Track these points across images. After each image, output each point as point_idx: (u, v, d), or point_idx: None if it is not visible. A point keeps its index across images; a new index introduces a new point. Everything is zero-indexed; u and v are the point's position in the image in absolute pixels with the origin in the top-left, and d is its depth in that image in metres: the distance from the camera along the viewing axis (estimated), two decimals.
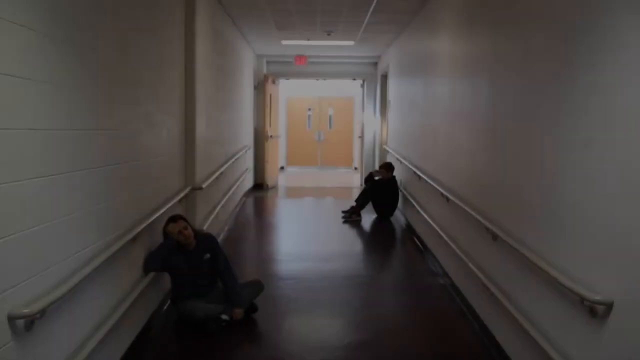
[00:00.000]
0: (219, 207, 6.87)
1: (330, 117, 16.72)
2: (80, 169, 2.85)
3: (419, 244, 6.91)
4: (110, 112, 3.28)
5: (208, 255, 4.36)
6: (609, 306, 2.32)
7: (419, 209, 6.78)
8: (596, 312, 2.41)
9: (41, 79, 2.43)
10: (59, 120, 2.60)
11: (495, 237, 3.76)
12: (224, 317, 4.15)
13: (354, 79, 13.22)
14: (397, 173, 8.62)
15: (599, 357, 2.42)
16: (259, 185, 11.89)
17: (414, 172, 7.09)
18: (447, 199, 5.17)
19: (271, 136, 12.01)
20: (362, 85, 13.05)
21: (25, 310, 2.22)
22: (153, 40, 4.20)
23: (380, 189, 8.57)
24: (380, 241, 7.64)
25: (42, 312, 2.31)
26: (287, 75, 13.01)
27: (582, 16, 2.68)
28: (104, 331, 3.05)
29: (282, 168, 15.83)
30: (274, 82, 12.23)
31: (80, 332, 2.87)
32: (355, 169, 15.81)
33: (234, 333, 4.12)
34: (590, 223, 2.53)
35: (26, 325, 2.27)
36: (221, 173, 6.91)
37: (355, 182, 13.62)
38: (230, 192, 8.03)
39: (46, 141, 2.48)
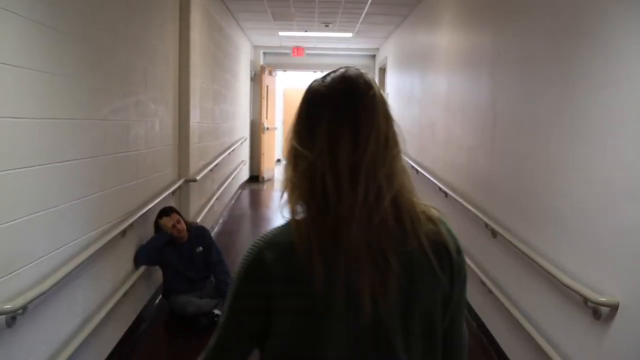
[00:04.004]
0: (214, 199, 6.78)
1: None
2: (68, 159, 2.75)
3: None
4: (99, 101, 3.17)
5: (201, 249, 4.28)
6: (614, 308, 2.24)
7: None
8: (600, 313, 2.33)
9: (27, 66, 2.33)
10: (44, 109, 2.50)
11: (495, 234, 3.68)
12: (217, 312, 4.07)
13: None
14: None
15: None
16: (255, 178, 11.80)
17: (412, 166, 7.00)
18: (446, 194, 5.09)
19: (267, 128, 11.91)
20: None
21: (7, 306, 2.14)
22: (146, 29, 4.09)
23: None
24: None
25: (24, 308, 2.22)
26: (284, 67, 12.89)
27: (586, 7, 2.59)
28: (92, 326, 2.97)
29: (278, 161, 15.73)
30: (270, 73, 12.11)
31: (66, 328, 2.79)
32: None
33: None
34: (595, 221, 2.44)
35: (7, 321, 2.18)
36: (216, 165, 6.81)
37: None
38: (226, 184, 7.94)
39: (31, 131, 2.38)
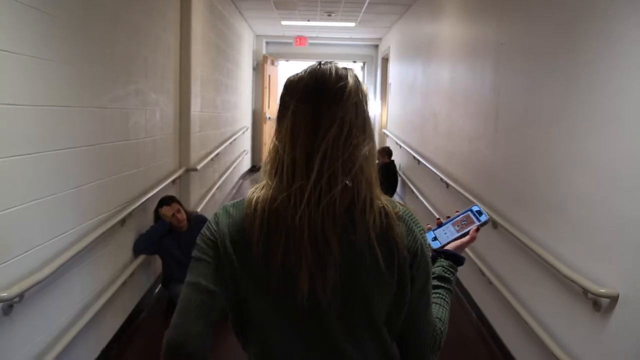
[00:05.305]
0: (215, 189, 6.76)
1: None
2: (65, 147, 2.72)
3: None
4: (98, 89, 3.15)
5: None
6: (614, 299, 2.22)
7: (417, 194, 6.68)
8: (600, 305, 2.32)
9: (21, 52, 2.30)
10: (39, 96, 2.47)
11: (495, 225, 3.66)
12: None
13: (355, 62, 13.03)
14: (396, 157, 8.51)
15: (602, 352, 2.33)
16: (257, 168, 11.78)
17: (413, 157, 6.98)
18: (447, 185, 5.07)
19: (269, 118, 11.87)
20: (363, 68, 12.87)
21: (3, 294, 2.13)
22: (147, 17, 4.05)
23: (379, 173, 8.43)
24: None
25: (21, 296, 2.22)
26: (287, 57, 12.81)
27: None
28: (90, 315, 2.97)
29: None
30: (273, 63, 12.06)
31: (64, 316, 2.78)
32: None
33: (226, 317, 4.02)
34: (596, 213, 2.42)
35: (4, 309, 2.18)
36: (217, 154, 6.79)
37: None
38: (227, 173, 7.92)
39: (27, 118, 2.36)
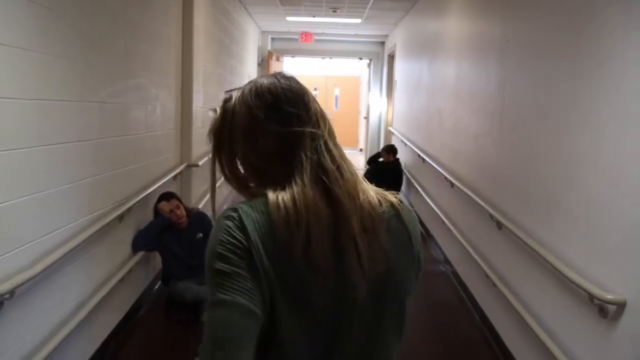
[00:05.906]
0: (217, 185, 6.70)
1: (336, 97, 16.43)
2: (60, 142, 2.67)
3: (421, 229, 6.74)
4: (96, 83, 3.09)
5: (201, 235, 4.21)
6: (621, 306, 2.15)
7: (422, 193, 6.62)
8: (607, 311, 2.24)
9: (14, 45, 2.24)
10: (34, 90, 2.42)
11: (500, 225, 3.59)
12: None
13: (361, 59, 12.94)
14: (402, 156, 8.44)
15: (608, 359, 2.26)
16: None
17: (419, 155, 6.91)
18: (452, 184, 5.00)
19: None
20: (369, 65, 12.78)
21: None
22: (147, 12, 3.99)
23: (384, 171, 8.37)
24: None
25: (12, 293, 2.17)
26: (292, 53, 12.73)
27: None
28: (85, 312, 2.92)
29: None
30: (278, 59, 11.98)
31: (58, 314, 2.73)
32: (361, 150, 15.61)
33: None
34: (605, 215, 2.34)
35: None
36: None
37: (360, 163, 13.43)
38: None
39: (20, 111, 2.30)
